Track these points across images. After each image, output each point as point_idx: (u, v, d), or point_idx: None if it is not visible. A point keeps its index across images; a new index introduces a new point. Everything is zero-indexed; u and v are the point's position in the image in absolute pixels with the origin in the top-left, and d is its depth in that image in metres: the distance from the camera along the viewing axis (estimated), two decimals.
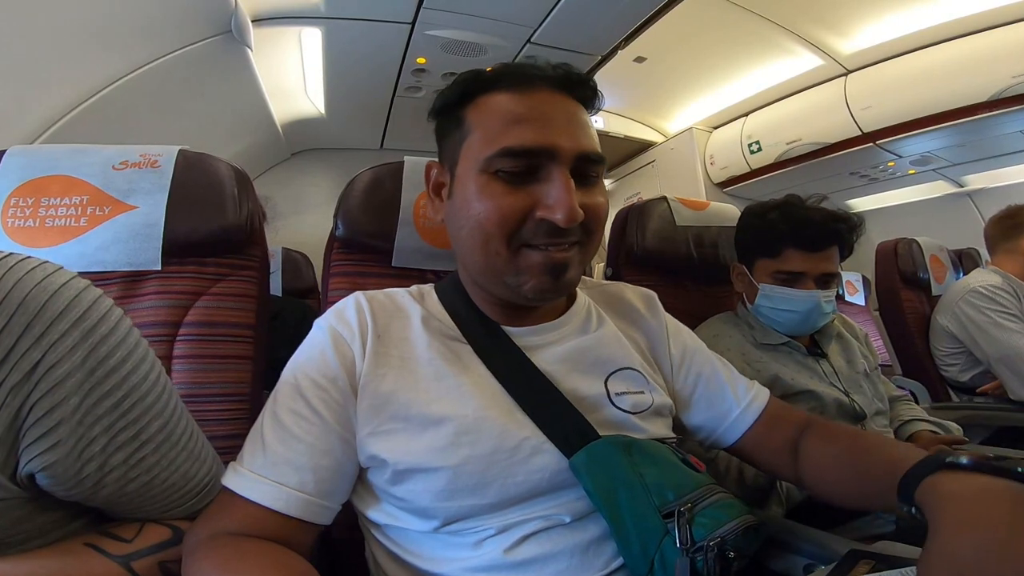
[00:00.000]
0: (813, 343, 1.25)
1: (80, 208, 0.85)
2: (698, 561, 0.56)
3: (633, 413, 0.69)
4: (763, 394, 0.81)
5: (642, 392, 0.72)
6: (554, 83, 0.66)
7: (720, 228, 1.38)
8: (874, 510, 0.75)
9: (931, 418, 1.29)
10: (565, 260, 0.64)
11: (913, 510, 0.52)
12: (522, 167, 0.62)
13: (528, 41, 2.33)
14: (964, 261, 2.48)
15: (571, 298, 0.78)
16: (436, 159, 0.75)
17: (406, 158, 1.00)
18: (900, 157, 2.88)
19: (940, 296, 2.06)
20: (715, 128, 3.48)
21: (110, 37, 1.53)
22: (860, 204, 3.60)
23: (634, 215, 1.33)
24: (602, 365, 0.72)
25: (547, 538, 0.61)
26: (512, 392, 0.65)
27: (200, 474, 0.59)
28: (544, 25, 2.22)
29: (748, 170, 3.30)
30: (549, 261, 0.63)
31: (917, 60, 2.45)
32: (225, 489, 0.59)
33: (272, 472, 0.58)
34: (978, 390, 1.92)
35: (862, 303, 3.07)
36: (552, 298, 0.70)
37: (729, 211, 1.44)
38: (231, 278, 0.92)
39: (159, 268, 0.88)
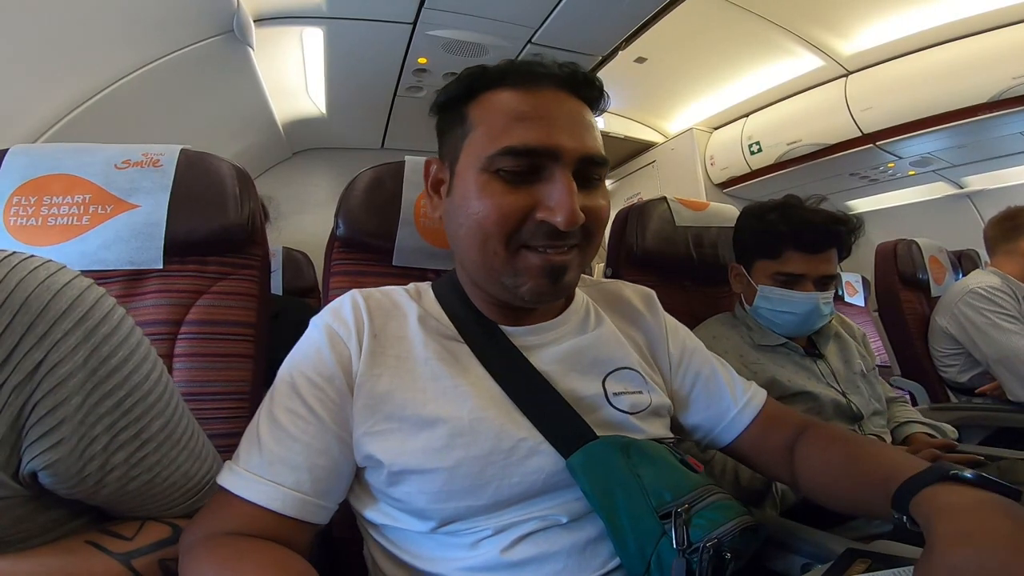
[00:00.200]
0: (810, 344, 1.25)
1: (82, 207, 0.85)
2: (694, 562, 0.56)
3: (631, 413, 0.69)
4: (760, 395, 0.81)
5: (640, 392, 0.71)
6: (560, 82, 0.65)
7: (720, 229, 1.39)
8: (867, 516, 0.74)
9: (926, 420, 1.29)
10: (564, 263, 0.64)
11: (905, 519, 0.52)
12: (524, 166, 0.61)
13: (529, 41, 2.33)
14: (963, 262, 2.48)
15: (569, 297, 0.78)
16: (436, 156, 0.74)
17: (407, 158, 1.01)
18: (900, 158, 2.88)
19: (939, 297, 2.06)
20: (715, 129, 3.49)
21: (112, 36, 1.53)
22: (860, 205, 3.61)
23: (634, 215, 1.34)
24: (600, 365, 0.72)
25: (544, 538, 0.61)
26: (509, 393, 0.65)
27: (201, 473, 0.59)
28: (545, 25, 2.23)
29: (748, 171, 3.31)
30: (547, 263, 0.63)
31: (918, 61, 2.45)
32: (221, 488, 0.59)
33: (268, 471, 0.58)
34: (977, 391, 1.92)
35: (861, 304, 3.07)
36: (549, 301, 0.70)
37: (729, 212, 1.44)
38: (232, 277, 0.93)
39: (161, 267, 0.88)
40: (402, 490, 0.61)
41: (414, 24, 2.21)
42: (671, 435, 0.74)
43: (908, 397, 1.44)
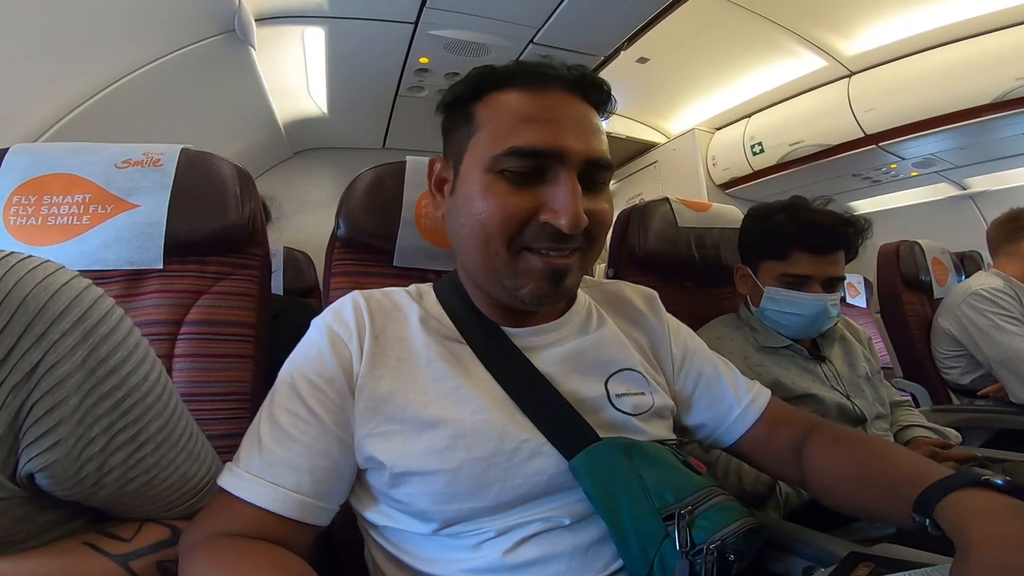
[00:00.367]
0: (814, 346, 1.24)
1: (82, 207, 0.85)
2: (697, 564, 0.56)
3: (633, 415, 0.68)
4: (764, 394, 0.81)
5: (643, 393, 0.71)
6: (568, 85, 0.64)
7: (722, 230, 1.38)
8: (878, 519, 0.74)
9: (930, 424, 1.29)
10: (565, 266, 0.64)
11: (928, 523, 0.52)
12: (529, 167, 0.61)
13: (531, 41, 2.33)
14: (966, 264, 2.48)
15: (571, 298, 0.78)
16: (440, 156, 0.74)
17: (408, 158, 1.00)
18: (903, 159, 2.87)
19: (942, 299, 2.06)
20: (717, 129, 3.48)
21: (113, 35, 1.53)
22: (862, 206, 3.60)
23: (636, 216, 1.33)
24: (602, 366, 0.71)
25: (547, 540, 0.60)
26: (512, 394, 0.65)
27: (199, 474, 0.59)
28: (547, 25, 2.22)
29: (750, 171, 3.30)
30: (549, 267, 0.63)
31: (921, 62, 2.44)
32: (221, 490, 0.59)
33: (268, 473, 0.58)
34: (979, 393, 1.92)
35: (864, 305, 3.07)
36: (549, 304, 0.69)
37: (731, 213, 1.43)
38: (232, 277, 0.92)
39: (161, 267, 0.88)
40: (404, 492, 0.60)
41: (416, 24, 2.21)
42: (674, 437, 0.73)
43: (911, 401, 1.43)
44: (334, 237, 1.01)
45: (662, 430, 0.71)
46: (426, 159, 0.93)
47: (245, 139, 2.71)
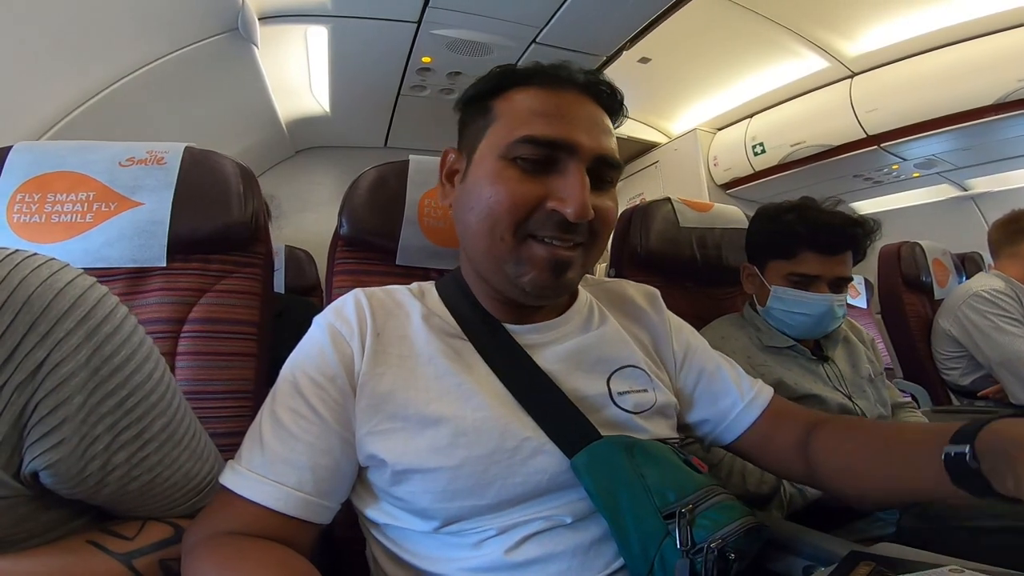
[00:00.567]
0: (817, 347, 1.24)
1: (86, 204, 0.85)
2: (698, 563, 0.56)
3: (635, 413, 0.69)
4: (767, 391, 0.81)
5: (645, 391, 0.71)
6: (583, 87, 0.67)
7: (724, 230, 1.38)
8: (899, 491, 0.68)
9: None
10: (568, 258, 0.64)
11: (967, 450, 0.52)
12: (541, 156, 0.63)
13: (533, 41, 2.33)
14: (967, 265, 2.48)
15: (572, 296, 0.78)
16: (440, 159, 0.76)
17: (411, 157, 1.01)
18: (904, 160, 2.87)
19: (942, 300, 2.06)
20: (719, 129, 3.48)
21: (116, 34, 1.53)
22: (864, 207, 3.59)
23: (638, 216, 1.33)
24: (604, 363, 0.72)
25: (548, 539, 0.61)
26: (514, 391, 0.65)
27: (203, 473, 0.59)
28: (550, 25, 2.22)
29: (752, 172, 3.30)
30: (552, 256, 0.63)
31: (923, 63, 2.44)
32: (224, 488, 0.59)
33: (271, 471, 0.58)
34: (979, 394, 1.92)
35: (864, 306, 3.06)
36: (550, 295, 0.69)
37: (733, 213, 1.43)
38: (235, 275, 0.93)
39: (164, 265, 0.88)
40: (405, 489, 0.61)
41: (419, 23, 2.21)
42: (676, 435, 0.74)
43: (914, 404, 1.43)
44: (337, 235, 1.01)
45: (664, 428, 0.72)
46: (430, 158, 0.94)
47: (247, 137, 2.71)
